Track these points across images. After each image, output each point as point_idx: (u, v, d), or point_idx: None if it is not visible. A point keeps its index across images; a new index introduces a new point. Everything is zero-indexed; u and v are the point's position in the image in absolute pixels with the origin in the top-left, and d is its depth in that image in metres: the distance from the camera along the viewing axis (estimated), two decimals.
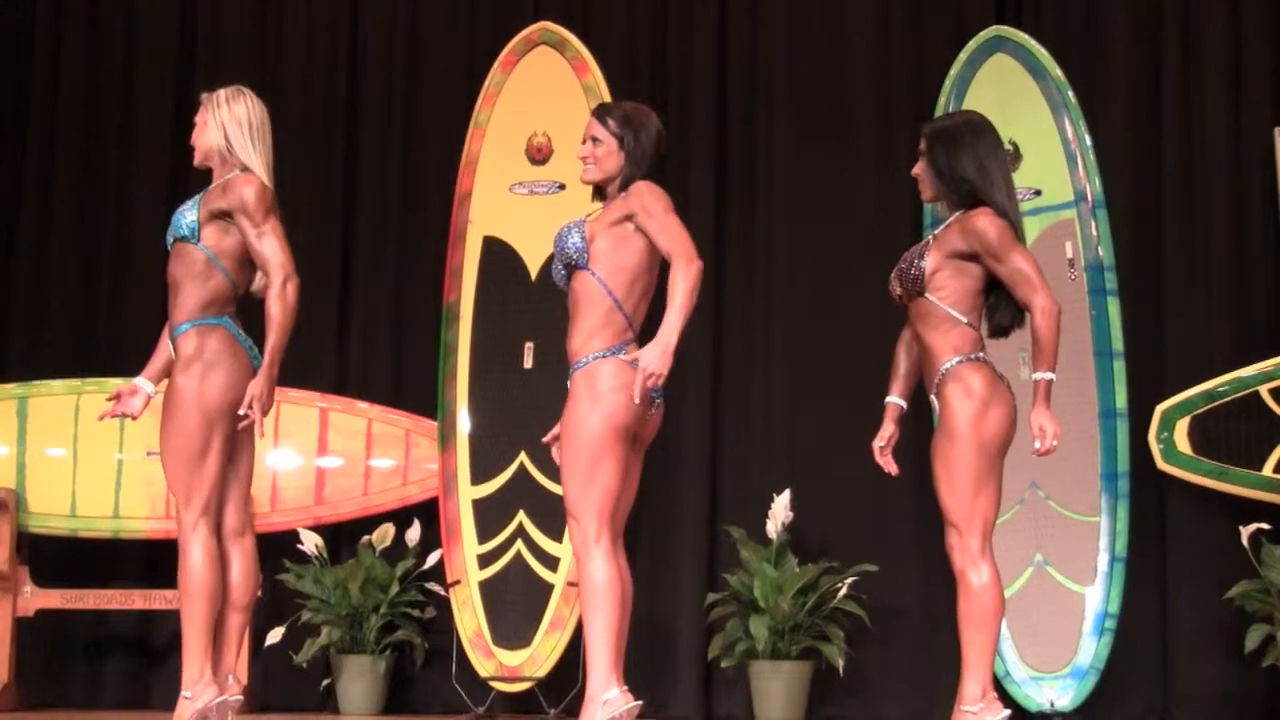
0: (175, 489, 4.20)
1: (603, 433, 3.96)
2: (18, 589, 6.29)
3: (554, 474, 5.97)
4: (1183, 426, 5.83)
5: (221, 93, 4.38)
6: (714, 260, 6.35)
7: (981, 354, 4.05)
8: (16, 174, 7.09)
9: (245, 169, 4.30)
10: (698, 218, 6.06)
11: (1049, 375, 3.96)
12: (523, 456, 6.04)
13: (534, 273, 6.12)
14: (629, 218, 4.04)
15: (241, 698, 4.27)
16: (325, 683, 6.35)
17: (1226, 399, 5.82)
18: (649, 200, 4.02)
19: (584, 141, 4.16)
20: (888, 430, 4.31)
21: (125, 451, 6.35)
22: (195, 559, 4.15)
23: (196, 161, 4.44)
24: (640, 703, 3.95)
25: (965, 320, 4.05)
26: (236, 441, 4.25)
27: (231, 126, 4.32)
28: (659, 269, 4.09)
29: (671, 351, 3.87)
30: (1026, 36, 6.11)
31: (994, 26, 6.17)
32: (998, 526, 4.09)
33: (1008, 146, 6.00)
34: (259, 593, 4.23)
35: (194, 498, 4.17)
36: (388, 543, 6.29)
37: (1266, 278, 6.08)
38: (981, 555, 3.99)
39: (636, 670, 6.24)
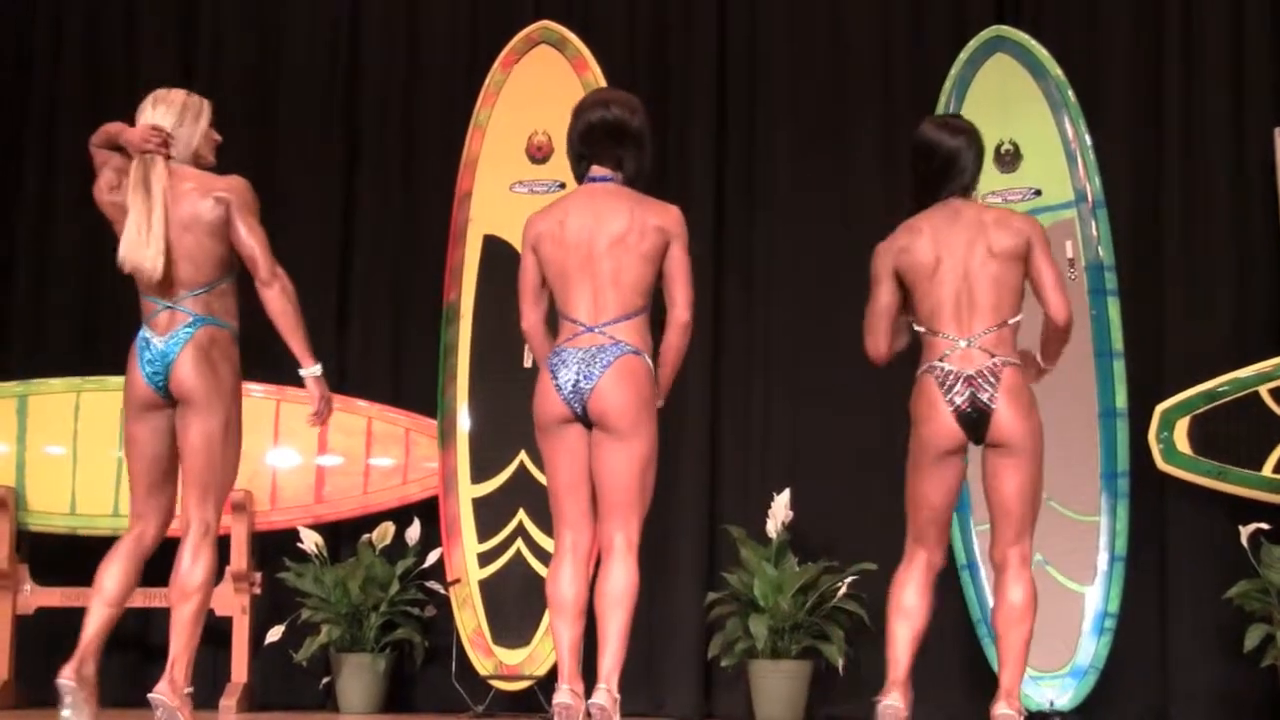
0: None
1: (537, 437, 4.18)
2: (17, 587, 6.30)
3: None
4: (1182, 426, 5.83)
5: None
6: (713, 260, 6.35)
7: (924, 365, 4.16)
8: (17, 171, 7.09)
9: None
10: (696, 217, 6.03)
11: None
12: (523, 455, 6.04)
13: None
14: None
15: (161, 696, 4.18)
16: (325, 681, 6.36)
17: (1226, 399, 5.82)
18: None
19: None
20: None
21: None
22: None
23: None
24: (566, 702, 3.93)
25: (919, 328, 4.22)
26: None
27: None
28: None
29: None
30: (1027, 36, 6.10)
31: (994, 26, 6.17)
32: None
33: (1008, 146, 6.03)
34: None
35: None
36: (388, 541, 6.29)
37: (1267, 278, 6.08)
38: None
39: (635, 669, 6.27)
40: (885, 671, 4.15)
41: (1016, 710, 3.99)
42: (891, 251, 4.27)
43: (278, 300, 4.27)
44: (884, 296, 4.30)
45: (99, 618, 4.22)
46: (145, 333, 4.26)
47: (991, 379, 4.03)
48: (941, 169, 4.22)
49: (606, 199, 4.18)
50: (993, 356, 4.06)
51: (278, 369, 6.35)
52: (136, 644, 6.64)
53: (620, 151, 4.22)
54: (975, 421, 4.04)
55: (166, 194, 4.22)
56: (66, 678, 4.11)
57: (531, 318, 4.26)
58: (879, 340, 4.33)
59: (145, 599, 6.30)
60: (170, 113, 4.35)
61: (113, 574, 4.24)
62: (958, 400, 4.03)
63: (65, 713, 4.08)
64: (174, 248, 4.23)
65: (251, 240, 4.27)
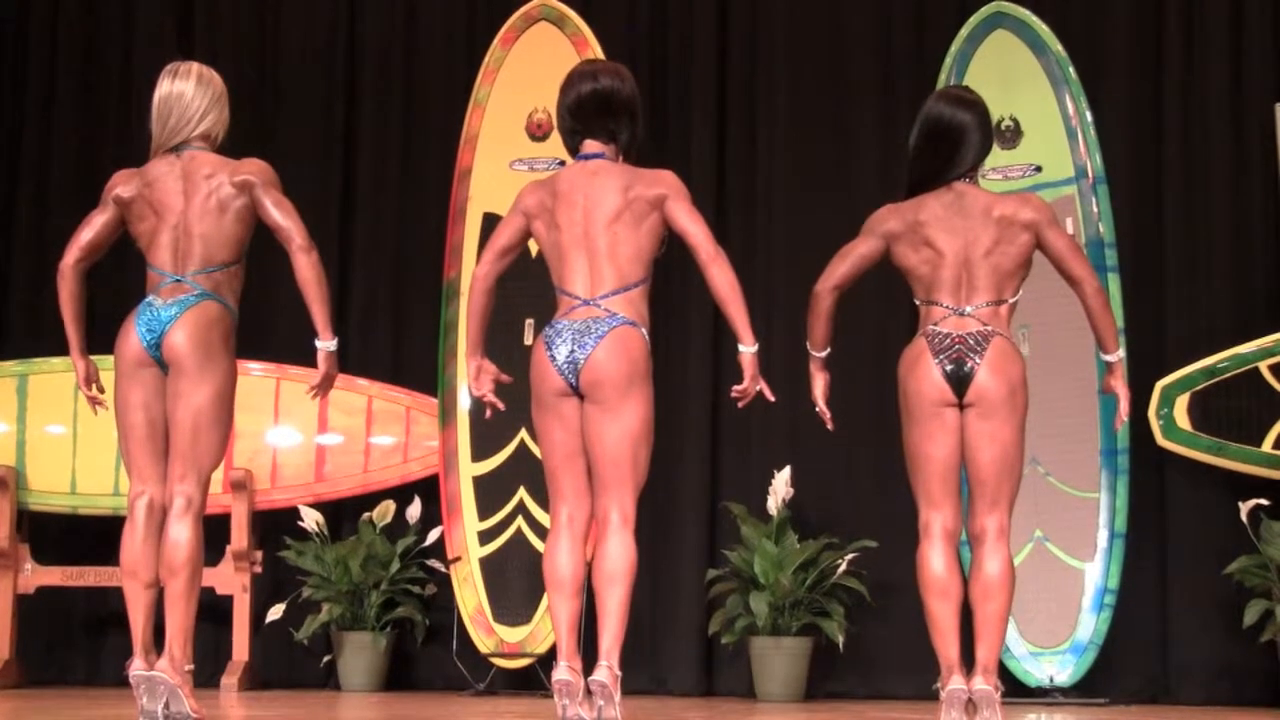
0: None
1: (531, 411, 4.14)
2: (18, 566, 6.31)
3: None
4: (1182, 403, 5.84)
5: None
6: (714, 235, 6.33)
7: (920, 330, 4.15)
8: (15, 151, 7.07)
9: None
10: (697, 193, 6.00)
11: None
12: (523, 433, 6.04)
13: (534, 249, 6.09)
14: None
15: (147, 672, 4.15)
16: (326, 659, 6.37)
17: (1226, 375, 5.83)
18: None
19: None
20: None
21: None
22: None
23: None
24: (565, 679, 3.89)
25: (919, 300, 4.20)
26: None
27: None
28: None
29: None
30: (1027, 12, 6.10)
31: (995, 2, 6.16)
32: None
33: (1008, 123, 6.03)
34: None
35: None
36: (388, 520, 6.30)
37: (1267, 254, 6.08)
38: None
39: (636, 646, 6.29)
40: (937, 656, 4.08)
41: (993, 686, 3.98)
42: (889, 224, 4.24)
43: (314, 268, 4.24)
44: (861, 247, 4.31)
45: (144, 602, 4.18)
46: (148, 299, 4.28)
47: (981, 342, 4.05)
48: (950, 150, 4.14)
49: (599, 178, 4.12)
50: (985, 325, 4.07)
51: (278, 348, 6.39)
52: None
53: (612, 123, 4.16)
54: (959, 380, 4.05)
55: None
56: (138, 669, 4.08)
57: (485, 269, 4.22)
58: (832, 274, 4.34)
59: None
60: (208, 96, 4.36)
61: (142, 556, 4.17)
62: (944, 358, 4.05)
63: (143, 701, 4.07)
64: (191, 229, 4.25)
65: (282, 212, 4.25)
